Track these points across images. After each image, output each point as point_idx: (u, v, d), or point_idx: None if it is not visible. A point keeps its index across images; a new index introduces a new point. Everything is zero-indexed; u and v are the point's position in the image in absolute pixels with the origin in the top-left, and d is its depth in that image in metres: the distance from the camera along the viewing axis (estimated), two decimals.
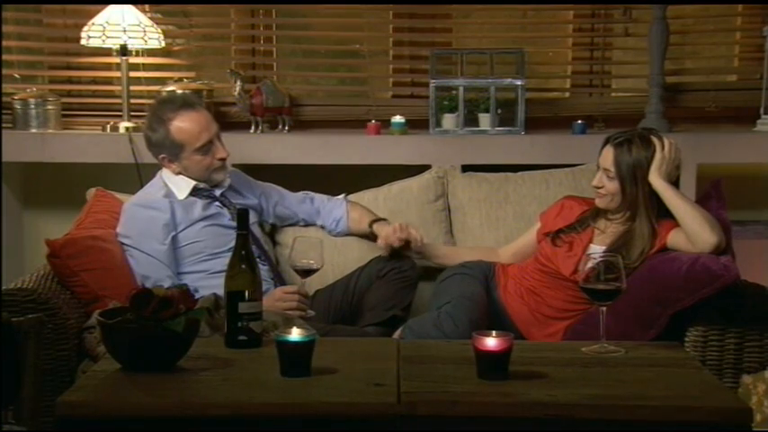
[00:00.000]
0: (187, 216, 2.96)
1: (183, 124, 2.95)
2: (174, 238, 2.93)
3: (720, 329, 2.56)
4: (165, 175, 3.05)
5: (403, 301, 2.96)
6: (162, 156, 3.00)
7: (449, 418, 1.93)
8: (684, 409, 1.94)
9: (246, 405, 1.93)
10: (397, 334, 2.77)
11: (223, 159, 3.01)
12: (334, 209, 3.22)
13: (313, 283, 3.16)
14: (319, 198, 3.26)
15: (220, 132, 3.06)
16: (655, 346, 2.44)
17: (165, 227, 2.92)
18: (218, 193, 3.05)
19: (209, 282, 2.84)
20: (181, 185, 3.02)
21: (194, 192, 3.02)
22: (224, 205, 3.04)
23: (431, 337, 2.62)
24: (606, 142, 2.79)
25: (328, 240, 3.22)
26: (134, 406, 1.95)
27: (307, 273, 2.72)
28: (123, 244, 2.94)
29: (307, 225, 3.25)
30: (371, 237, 3.12)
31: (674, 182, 2.75)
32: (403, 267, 3.00)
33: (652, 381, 2.10)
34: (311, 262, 2.67)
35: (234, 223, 2.94)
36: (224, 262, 2.42)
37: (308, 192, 3.28)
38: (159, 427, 1.93)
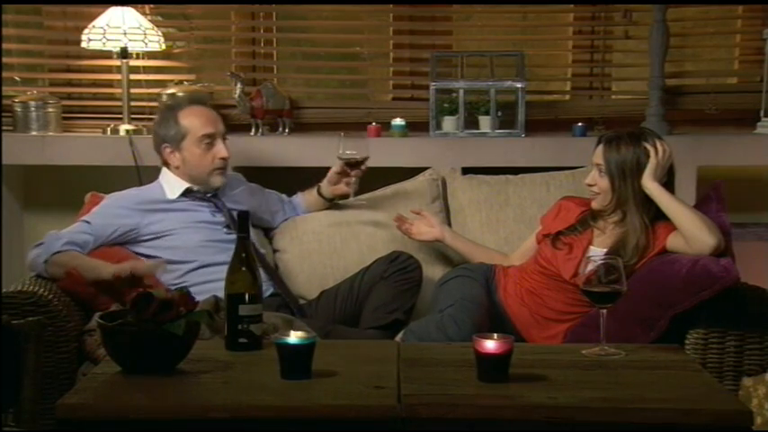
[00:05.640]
0: (160, 215, 3.00)
1: (191, 113, 3.06)
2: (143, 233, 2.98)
3: (721, 332, 2.57)
4: (163, 174, 3.09)
5: (405, 304, 2.94)
6: (165, 145, 3.05)
7: (449, 421, 1.93)
8: (685, 412, 1.94)
9: (246, 408, 1.93)
10: (398, 338, 2.77)
11: (224, 159, 3.04)
12: (294, 202, 3.35)
13: (312, 288, 3.17)
14: (286, 198, 3.37)
15: (227, 136, 3.10)
16: (655, 348, 2.44)
17: (121, 227, 2.95)
18: (210, 195, 3.07)
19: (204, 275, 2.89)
20: (174, 185, 3.05)
21: (186, 193, 3.05)
22: (217, 207, 3.06)
23: (433, 340, 2.62)
24: (599, 141, 2.83)
25: (329, 243, 3.23)
26: (134, 408, 1.95)
27: (352, 165, 3.08)
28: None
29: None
30: (326, 201, 3.28)
31: (665, 184, 2.75)
32: (408, 269, 2.98)
33: (652, 383, 2.10)
34: (354, 152, 3.04)
35: (216, 218, 3.02)
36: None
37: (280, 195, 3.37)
38: (159, 430, 1.93)
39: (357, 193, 3.21)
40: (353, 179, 3.14)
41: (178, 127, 3.03)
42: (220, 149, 3.04)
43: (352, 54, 4.03)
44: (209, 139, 3.02)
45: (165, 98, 3.58)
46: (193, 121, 3.03)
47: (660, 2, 3.55)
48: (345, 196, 3.21)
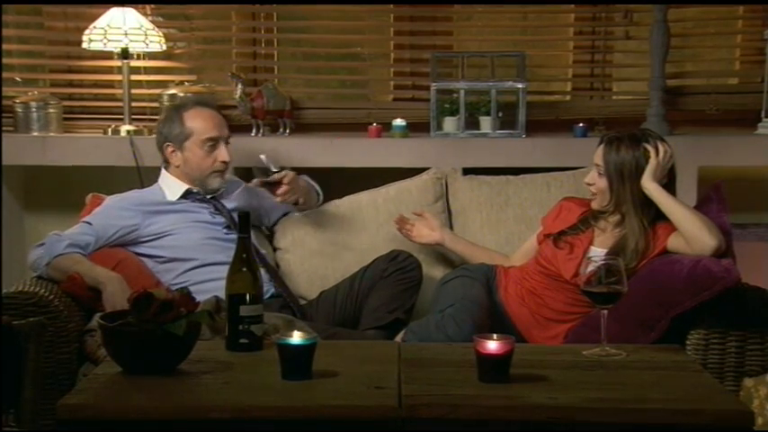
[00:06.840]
0: (161, 217, 3.01)
1: (197, 115, 3.07)
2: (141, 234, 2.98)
3: (722, 332, 2.56)
4: (162, 177, 3.11)
5: (405, 303, 2.95)
6: (167, 144, 3.07)
7: (450, 421, 1.93)
8: (685, 413, 1.94)
9: (247, 408, 1.93)
10: (399, 337, 2.77)
11: (225, 163, 3.06)
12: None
13: (313, 288, 3.17)
14: None
15: (230, 140, 3.12)
16: (656, 348, 2.44)
17: (122, 228, 2.95)
18: (210, 196, 3.08)
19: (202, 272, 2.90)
20: (173, 187, 3.06)
21: (186, 195, 3.05)
22: (216, 208, 3.06)
23: (434, 340, 2.62)
24: (601, 140, 2.83)
25: (331, 243, 3.23)
26: (135, 409, 1.95)
27: (271, 185, 3.01)
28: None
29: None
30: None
31: (666, 185, 2.75)
32: (407, 268, 2.99)
33: (653, 384, 2.10)
34: (268, 173, 3.00)
35: (215, 219, 3.03)
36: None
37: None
38: (160, 430, 1.93)
39: (364, 189, 3.25)
40: (287, 195, 3.08)
41: (183, 127, 3.05)
42: (222, 153, 3.06)
43: (353, 54, 4.03)
44: (213, 143, 3.05)
45: (165, 99, 3.58)
46: (199, 123, 3.05)
47: (661, 2, 3.55)
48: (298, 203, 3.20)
